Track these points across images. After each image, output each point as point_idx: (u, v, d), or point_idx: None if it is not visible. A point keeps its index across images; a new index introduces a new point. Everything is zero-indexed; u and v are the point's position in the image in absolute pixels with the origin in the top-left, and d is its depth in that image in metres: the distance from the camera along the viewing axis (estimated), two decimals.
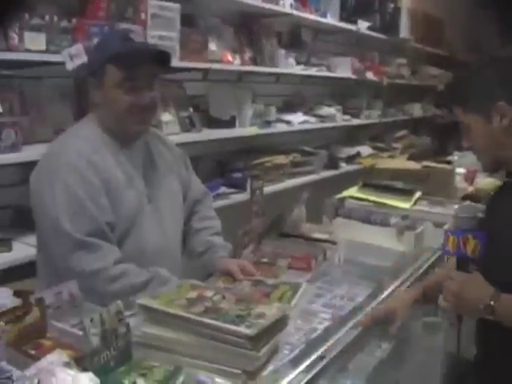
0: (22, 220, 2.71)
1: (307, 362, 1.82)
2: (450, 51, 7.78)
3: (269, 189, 4.04)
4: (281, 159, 4.24)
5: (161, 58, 2.17)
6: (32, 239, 2.36)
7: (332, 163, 5.10)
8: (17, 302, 2.41)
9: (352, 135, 5.79)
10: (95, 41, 2.26)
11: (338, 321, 2.16)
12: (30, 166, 2.19)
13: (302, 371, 1.77)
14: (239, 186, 3.83)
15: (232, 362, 1.58)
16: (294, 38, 4.65)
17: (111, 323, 1.53)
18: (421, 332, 3.47)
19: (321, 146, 5.13)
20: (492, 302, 1.72)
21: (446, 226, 3.07)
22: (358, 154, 5.46)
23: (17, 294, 2.43)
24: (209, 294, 1.77)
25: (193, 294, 1.76)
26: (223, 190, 3.65)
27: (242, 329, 1.55)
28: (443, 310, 2.15)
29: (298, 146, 4.76)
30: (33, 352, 1.51)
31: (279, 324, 1.72)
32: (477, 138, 1.92)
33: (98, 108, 2.16)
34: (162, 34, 3.07)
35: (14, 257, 2.60)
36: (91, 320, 1.48)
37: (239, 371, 1.58)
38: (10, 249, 2.61)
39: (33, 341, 1.56)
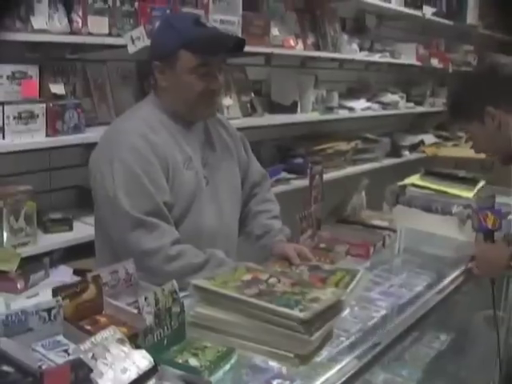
0: (84, 200, 2.76)
1: (362, 349, 1.81)
2: None
3: (330, 175, 4.03)
4: (342, 146, 4.19)
5: (235, 44, 2.18)
6: (92, 219, 2.40)
7: (394, 151, 5.03)
8: (77, 280, 2.48)
9: (416, 123, 5.69)
10: (162, 24, 2.23)
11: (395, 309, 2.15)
12: (91, 147, 2.23)
13: (356, 357, 1.75)
14: (300, 172, 3.80)
15: (284, 345, 1.57)
16: (358, 23, 4.60)
17: (165, 302, 1.54)
18: (481, 326, 3.41)
19: (383, 134, 5.06)
20: (508, 262, 2.14)
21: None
22: (422, 143, 5.36)
23: (76, 272, 2.50)
24: (264, 276, 1.77)
25: (248, 277, 1.76)
26: (284, 175, 3.64)
27: (295, 312, 1.54)
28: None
29: (360, 133, 4.70)
30: (89, 327, 1.54)
31: (334, 309, 1.70)
32: (482, 142, 2.32)
33: (164, 91, 2.16)
34: (224, 18, 3.06)
35: (75, 236, 2.65)
36: (145, 299, 1.49)
37: (291, 355, 1.57)
38: (70, 228, 2.66)
39: (89, 317, 1.58)
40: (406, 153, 5.12)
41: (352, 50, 4.17)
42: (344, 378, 1.65)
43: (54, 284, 2.34)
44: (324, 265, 2.21)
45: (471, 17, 5.72)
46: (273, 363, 1.65)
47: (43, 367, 1.31)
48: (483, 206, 2.35)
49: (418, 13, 4.89)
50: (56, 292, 1.52)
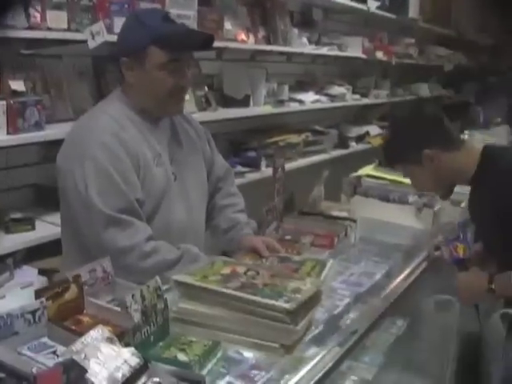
0: (44, 199, 2.72)
1: (331, 338, 1.84)
2: (457, 32, 7.76)
3: None
4: (293, 138, 4.23)
5: (203, 40, 2.19)
6: (54, 218, 2.37)
7: (342, 142, 5.10)
8: (42, 280, 2.44)
9: (360, 115, 5.78)
10: (130, 19, 2.18)
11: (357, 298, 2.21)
12: (51, 144, 2.20)
13: (325, 347, 1.78)
14: (253, 165, 3.83)
15: (270, 336, 1.60)
16: (305, 17, 4.63)
17: (151, 299, 1.55)
18: (433, 310, 3.51)
19: (331, 126, 5.13)
20: (489, 285, 2.16)
21: (462, 204, 3.09)
22: (367, 134, 5.46)
23: (41, 272, 2.46)
24: (242, 269, 1.79)
25: (226, 270, 1.78)
26: (239, 168, 3.65)
27: (281, 303, 1.57)
28: None
29: (309, 126, 4.76)
30: (73, 328, 1.52)
31: (314, 299, 1.74)
32: (422, 182, 2.38)
33: (131, 87, 2.14)
34: (180, 13, 3.05)
35: (38, 235, 2.60)
36: (132, 296, 1.49)
37: (277, 345, 1.59)
38: (33, 227, 2.62)
39: (71, 317, 1.57)
40: (353, 144, 5.20)
41: (302, 44, 4.22)
42: (320, 367, 1.67)
43: (20, 285, 2.32)
44: (293, 256, 2.25)
45: (413, 10, 5.84)
46: (248, 354, 1.67)
47: (34, 371, 1.29)
48: (450, 237, 2.45)
49: (362, 6, 4.96)
50: (39, 293, 1.49)
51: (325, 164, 4.58)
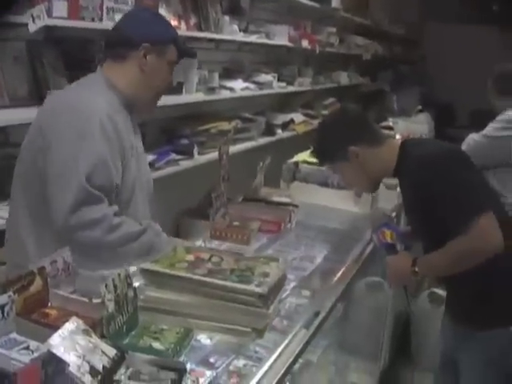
0: None
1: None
2: (373, 22, 7.93)
3: (213, 155, 4.04)
4: (224, 125, 4.22)
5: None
6: None
7: (268, 130, 5.12)
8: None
9: (285, 102, 5.83)
10: (152, 14, 2.44)
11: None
12: None
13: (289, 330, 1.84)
14: (186, 152, 3.80)
15: (242, 320, 1.61)
16: (234, 4, 4.62)
17: (122, 288, 1.53)
18: (365, 292, 3.61)
19: (257, 113, 5.14)
20: (412, 268, 2.31)
21: (398, 189, 3.18)
22: (292, 121, 5.50)
23: None
24: (206, 256, 1.79)
25: (190, 257, 1.78)
26: (173, 156, 3.62)
27: (253, 287, 1.58)
28: None
29: (237, 113, 4.76)
30: (42, 321, 1.48)
31: (281, 282, 1.76)
32: (351, 178, 2.54)
33: (128, 73, 2.22)
34: None
35: None
36: (106, 286, 1.46)
37: (249, 329, 1.61)
38: None
39: (37, 310, 1.52)
40: (279, 131, 5.24)
41: (233, 31, 4.20)
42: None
43: None
44: (245, 253, 2.24)
45: (335, 0, 5.93)
46: (206, 341, 1.68)
47: (12, 368, 1.24)
48: (378, 224, 2.54)
49: None
50: (4, 287, 1.44)
51: (253, 151, 4.60)
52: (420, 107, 5.71)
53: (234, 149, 4.40)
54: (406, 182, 2.41)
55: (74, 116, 2.08)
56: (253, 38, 4.48)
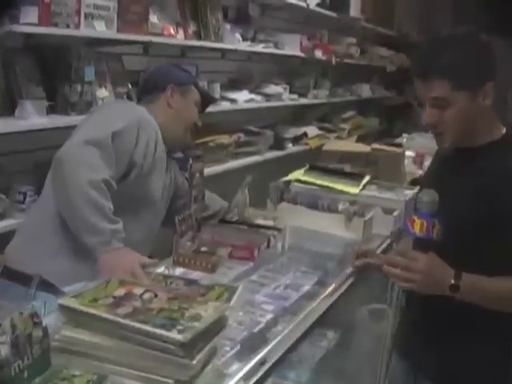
0: None
1: (248, 362, 1.67)
2: (399, 32, 7.70)
3: (212, 169, 3.90)
4: (224, 139, 4.06)
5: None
6: None
7: (278, 144, 4.94)
8: None
9: (299, 115, 5.64)
10: (171, 66, 2.90)
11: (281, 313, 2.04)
12: None
13: (242, 370, 1.62)
14: (181, 167, 3.63)
15: (163, 370, 1.42)
16: (241, 12, 4.46)
17: (25, 328, 1.35)
18: (367, 320, 3.41)
19: (266, 126, 4.97)
20: (454, 281, 1.83)
21: (395, 213, 2.97)
22: (305, 135, 5.32)
23: None
24: (138, 291, 1.60)
25: (120, 292, 1.59)
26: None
27: (174, 334, 1.39)
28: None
29: (242, 126, 4.59)
30: None
31: (217, 325, 1.56)
32: (455, 115, 1.89)
33: (164, 110, 2.61)
34: (98, 3, 2.84)
35: None
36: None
37: (171, 381, 1.42)
38: None
39: None
40: (290, 145, 5.06)
41: (234, 40, 4.03)
42: None
43: None
44: (201, 280, 2.06)
45: (354, 9, 5.74)
46: None
47: None
48: (428, 211, 1.91)
49: (301, 3, 4.81)
50: None
51: (259, 166, 4.44)
52: None
53: (236, 163, 4.27)
54: (486, 177, 1.91)
55: (133, 115, 2.45)
56: (258, 48, 4.31)
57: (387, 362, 3.65)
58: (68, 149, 2.20)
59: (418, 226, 1.90)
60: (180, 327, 1.42)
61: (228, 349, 1.71)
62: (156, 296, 1.58)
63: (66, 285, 1.99)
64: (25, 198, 2.77)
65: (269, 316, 2.00)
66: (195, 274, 2.21)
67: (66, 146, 2.21)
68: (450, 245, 1.88)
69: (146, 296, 1.58)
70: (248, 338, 1.79)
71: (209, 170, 3.86)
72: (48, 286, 1.98)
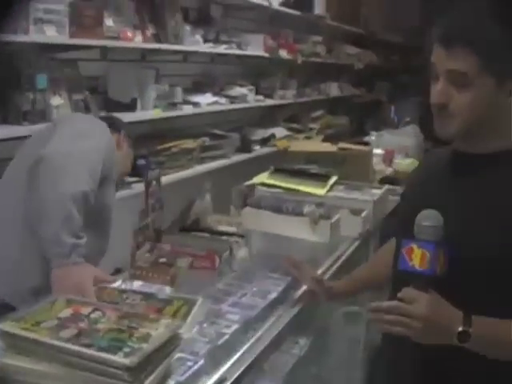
0: None
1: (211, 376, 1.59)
2: (366, 29, 7.67)
3: (176, 176, 3.81)
4: (188, 144, 3.96)
5: None
6: None
7: (245, 146, 4.85)
8: None
9: (266, 117, 5.56)
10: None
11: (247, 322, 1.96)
12: None
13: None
14: (140, 175, 3.54)
15: None
16: (202, 14, 4.37)
17: None
18: (341, 323, 3.34)
19: (233, 129, 4.88)
20: (463, 328, 1.48)
21: (363, 214, 2.90)
22: (273, 136, 5.23)
23: None
24: (86, 310, 1.51)
25: (66, 312, 1.50)
26: (127, 178, 3.35)
27: (119, 358, 1.30)
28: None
29: (208, 130, 4.50)
30: None
31: (169, 345, 1.47)
32: (473, 98, 1.56)
33: None
34: (49, 7, 2.73)
35: None
36: None
37: None
38: None
39: None
40: (257, 147, 4.97)
41: (195, 42, 3.94)
42: None
43: None
44: (159, 293, 1.96)
45: (319, 7, 5.67)
46: None
47: None
48: (431, 238, 1.52)
49: (264, 3, 4.72)
50: None
51: (226, 170, 4.36)
52: (408, 119, 5.44)
53: (202, 168, 4.17)
54: (502, 194, 1.57)
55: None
56: (221, 49, 4.21)
57: (363, 366, 3.62)
58: (57, 151, 2.07)
59: (417, 258, 1.50)
60: (127, 349, 1.33)
61: (191, 364, 1.62)
62: (104, 315, 1.49)
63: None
64: None
65: (234, 327, 1.91)
66: (156, 287, 2.11)
67: (53, 146, 2.09)
68: (455, 280, 1.52)
69: (94, 315, 1.48)
70: (212, 352, 1.71)
71: (173, 176, 3.78)
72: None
